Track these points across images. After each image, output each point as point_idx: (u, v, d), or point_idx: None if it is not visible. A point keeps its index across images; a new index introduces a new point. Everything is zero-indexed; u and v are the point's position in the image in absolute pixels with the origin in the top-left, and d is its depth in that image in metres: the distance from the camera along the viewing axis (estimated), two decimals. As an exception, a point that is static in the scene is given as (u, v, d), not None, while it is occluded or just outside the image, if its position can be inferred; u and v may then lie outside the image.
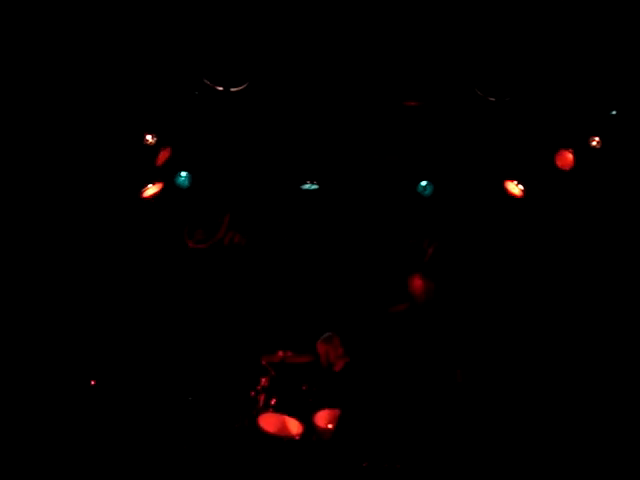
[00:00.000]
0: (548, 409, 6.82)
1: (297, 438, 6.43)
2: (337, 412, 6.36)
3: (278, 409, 6.57)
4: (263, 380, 6.64)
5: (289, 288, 7.74)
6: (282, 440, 6.43)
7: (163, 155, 7.03)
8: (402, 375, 6.39)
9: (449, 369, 6.31)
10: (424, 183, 7.69)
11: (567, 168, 6.93)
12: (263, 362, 6.75)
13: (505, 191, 7.36)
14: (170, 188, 7.37)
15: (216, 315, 7.57)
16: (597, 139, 6.74)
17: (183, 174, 7.41)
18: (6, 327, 6.50)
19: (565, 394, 6.87)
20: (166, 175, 7.28)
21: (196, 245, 7.47)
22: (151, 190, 7.22)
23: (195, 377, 7.08)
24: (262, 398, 6.63)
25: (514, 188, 7.31)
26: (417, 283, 6.61)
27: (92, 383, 6.87)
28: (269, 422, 6.52)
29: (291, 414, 6.51)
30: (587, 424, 6.66)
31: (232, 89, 6.03)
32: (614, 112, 6.62)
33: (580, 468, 6.24)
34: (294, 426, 6.49)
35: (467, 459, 6.13)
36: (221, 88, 6.00)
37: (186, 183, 7.45)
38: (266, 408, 6.58)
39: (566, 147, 6.89)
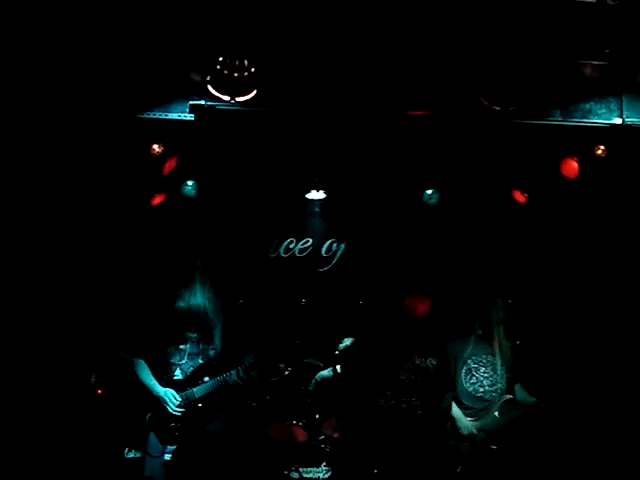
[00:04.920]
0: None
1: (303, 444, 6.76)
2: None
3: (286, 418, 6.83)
4: None
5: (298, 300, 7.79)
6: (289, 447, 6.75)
7: (170, 164, 7.06)
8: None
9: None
10: (430, 192, 7.72)
11: (572, 177, 6.95)
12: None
13: (511, 199, 7.40)
14: (177, 197, 7.42)
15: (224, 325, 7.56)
16: (602, 148, 6.75)
17: (190, 183, 7.45)
18: (13, 333, 6.52)
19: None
20: (173, 184, 7.32)
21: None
22: (158, 199, 7.27)
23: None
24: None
25: (520, 196, 7.36)
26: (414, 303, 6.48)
27: (98, 392, 6.88)
28: (277, 431, 6.79)
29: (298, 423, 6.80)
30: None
31: (238, 98, 6.04)
32: (620, 121, 6.63)
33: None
34: (300, 434, 6.78)
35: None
36: (228, 97, 6.00)
37: (193, 192, 7.49)
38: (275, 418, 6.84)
39: (571, 156, 6.92)
